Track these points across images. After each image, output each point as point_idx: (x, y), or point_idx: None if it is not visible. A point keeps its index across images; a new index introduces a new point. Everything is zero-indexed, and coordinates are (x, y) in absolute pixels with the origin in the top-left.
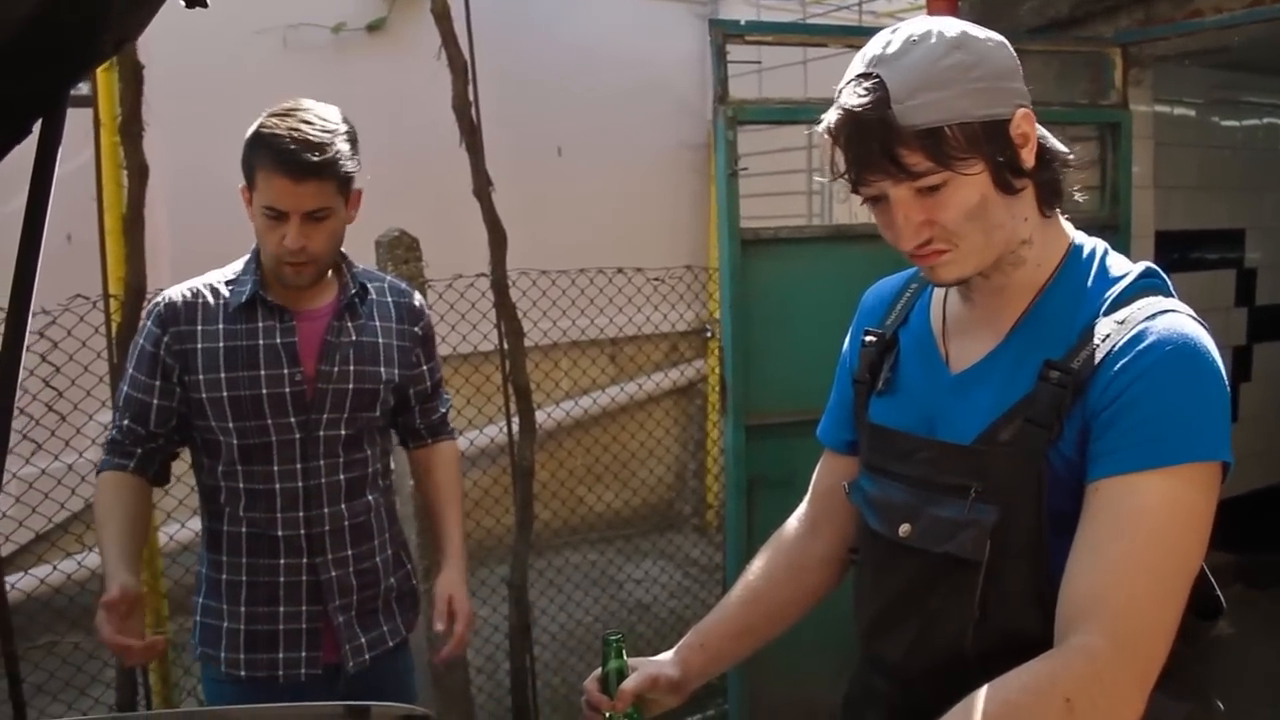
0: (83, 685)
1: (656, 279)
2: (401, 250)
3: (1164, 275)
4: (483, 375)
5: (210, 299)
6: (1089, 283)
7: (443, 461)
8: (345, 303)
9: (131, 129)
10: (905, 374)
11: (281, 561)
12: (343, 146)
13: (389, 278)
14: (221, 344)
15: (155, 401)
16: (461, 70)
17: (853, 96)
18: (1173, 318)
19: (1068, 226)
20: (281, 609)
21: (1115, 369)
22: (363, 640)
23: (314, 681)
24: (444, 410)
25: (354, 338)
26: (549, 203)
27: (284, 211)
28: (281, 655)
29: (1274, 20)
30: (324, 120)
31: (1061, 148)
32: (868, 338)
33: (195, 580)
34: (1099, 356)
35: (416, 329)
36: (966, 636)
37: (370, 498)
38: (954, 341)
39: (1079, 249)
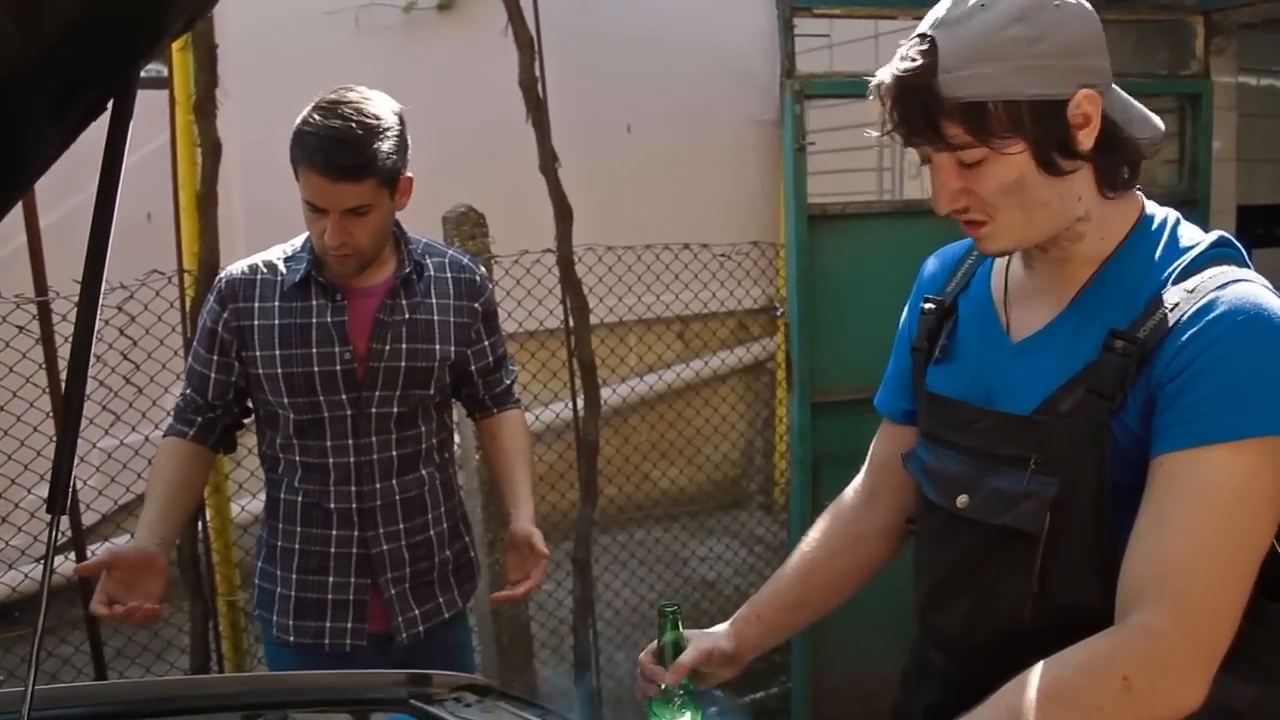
0: (159, 650)
1: (724, 255)
2: (468, 226)
3: (1238, 245)
4: (549, 351)
5: (269, 275)
6: (1157, 253)
7: (510, 426)
8: (400, 280)
9: (206, 108)
10: (964, 341)
11: (333, 533)
12: (383, 145)
13: (451, 252)
14: (277, 321)
15: (213, 375)
16: (528, 46)
17: (905, 59)
18: (1245, 287)
19: (1139, 195)
20: (331, 579)
21: (1184, 338)
22: (416, 612)
23: (359, 652)
24: (509, 381)
25: (407, 315)
26: (618, 179)
27: (323, 208)
28: (329, 624)
29: None
30: (365, 117)
31: (1139, 134)
32: (927, 305)
33: (257, 545)
34: (1167, 325)
35: (477, 304)
36: (1024, 610)
37: (424, 472)
38: (1015, 309)
39: (1149, 219)
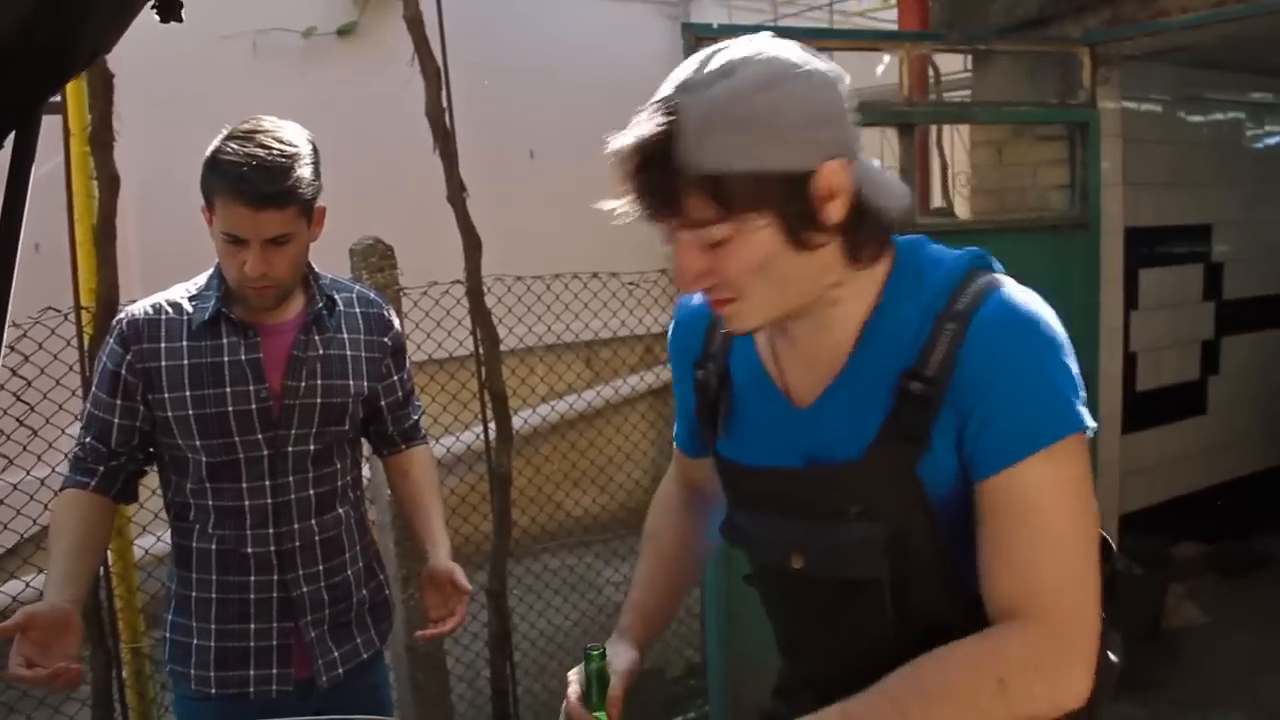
0: (57, 703)
1: (631, 283)
2: (376, 258)
3: (985, 254)
4: (458, 382)
5: (174, 315)
6: (920, 283)
7: (419, 462)
8: (312, 316)
9: (102, 138)
10: (748, 410)
11: (252, 579)
12: (303, 172)
13: (358, 287)
14: (186, 361)
15: (116, 420)
16: (434, 76)
17: (647, 124)
18: (1002, 296)
19: (890, 247)
20: (252, 626)
21: (968, 368)
22: (336, 654)
23: (284, 698)
24: (416, 417)
25: (321, 351)
26: (522, 207)
27: (244, 238)
28: (253, 672)
29: (1239, 20)
30: (283, 145)
31: (887, 202)
32: (699, 373)
33: (164, 596)
34: (953, 359)
35: (386, 339)
36: (888, 645)
37: (340, 511)
38: (791, 376)
39: (901, 259)
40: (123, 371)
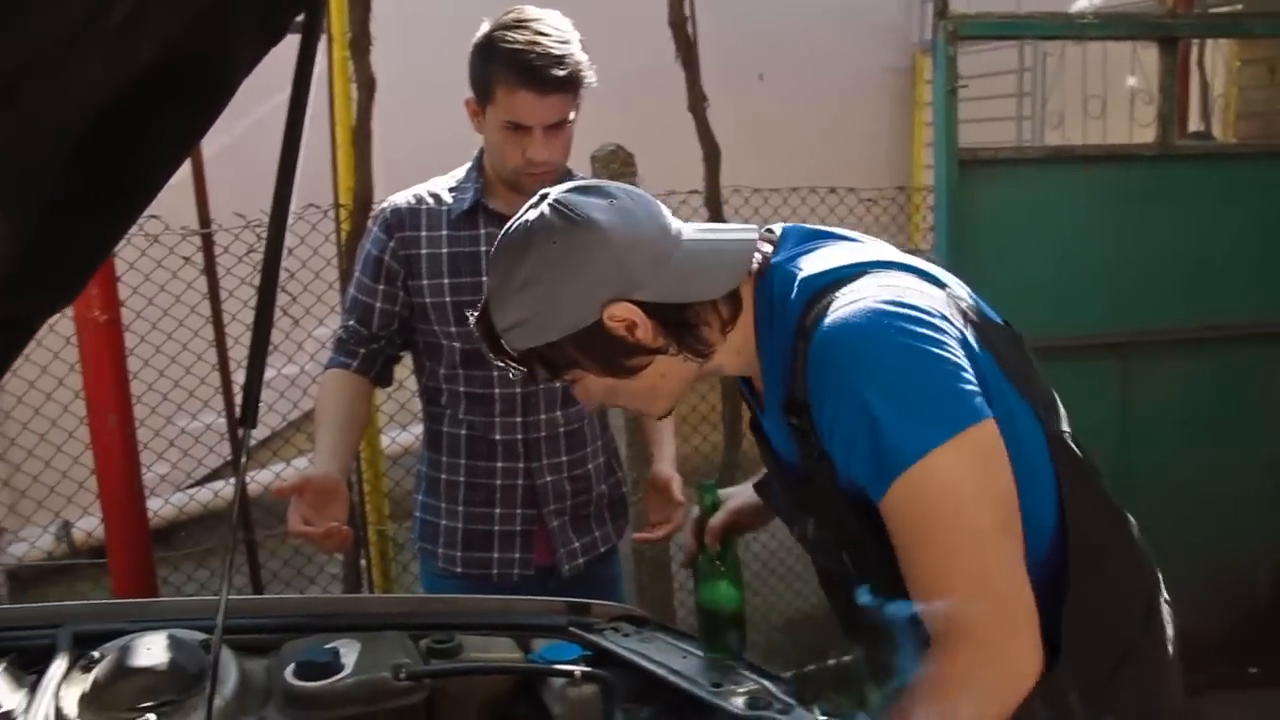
0: (312, 575)
1: (869, 199)
2: (617, 165)
3: (834, 272)
4: None
5: (434, 205)
6: (776, 311)
7: None
8: None
9: (360, 44)
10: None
11: (499, 465)
12: (580, 56)
13: None
14: (445, 250)
15: (379, 305)
16: None
17: (478, 325)
18: (825, 321)
19: (740, 287)
20: (498, 510)
21: (813, 398)
22: (577, 544)
23: (526, 582)
24: None
25: None
26: (751, 127)
27: (528, 125)
28: (496, 555)
29: None
30: (558, 30)
31: (714, 286)
32: None
33: (415, 478)
34: (804, 381)
35: None
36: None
37: None
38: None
39: (760, 290)
40: (386, 257)
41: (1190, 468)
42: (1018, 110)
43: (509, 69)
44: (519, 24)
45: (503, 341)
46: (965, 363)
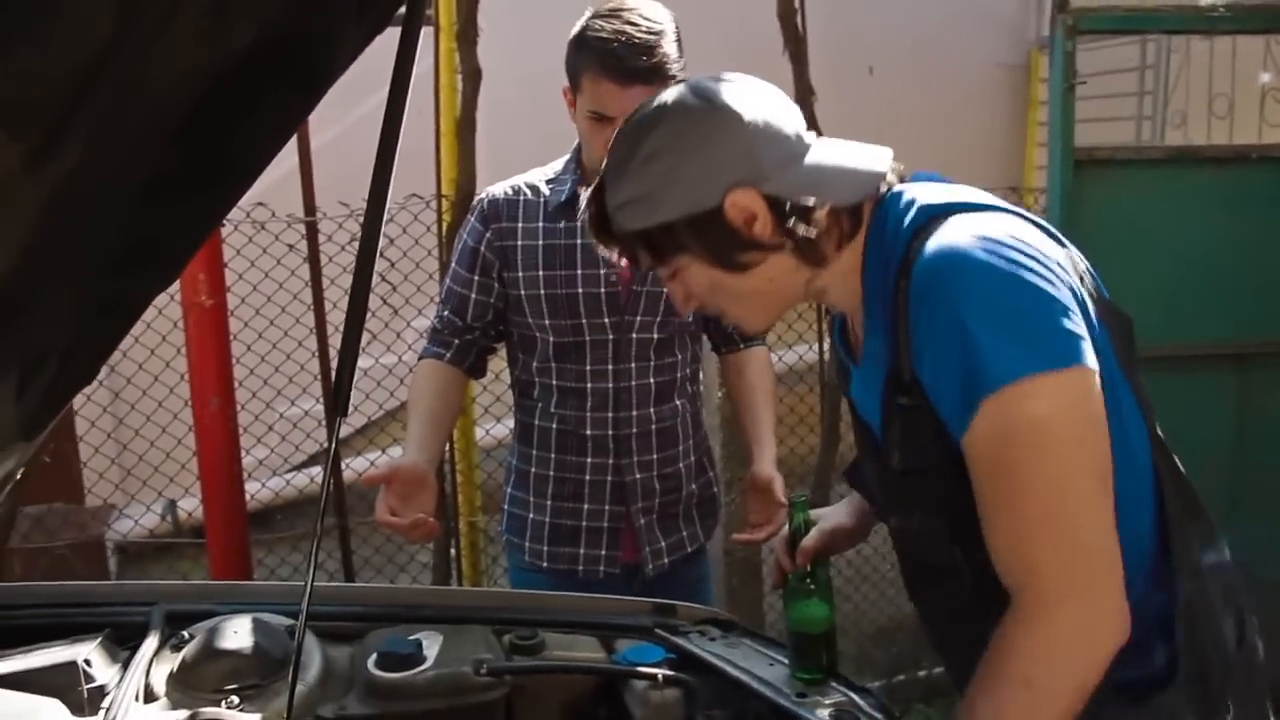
0: (403, 563)
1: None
2: None
3: (943, 208)
4: None
5: (531, 197)
6: (884, 257)
7: (756, 363)
8: None
9: (468, 34)
10: (855, 387)
11: (589, 460)
12: (669, 48)
13: None
14: (541, 241)
15: (473, 296)
16: None
17: (589, 207)
18: (934, 247)
19: (863, 206)
20: (586, 506)
21: (912, 335)
22: (663, 544)
23: (611, 579)
24: None
25: None
26: (860, 122)
27: (610, 115)
28: (583, 551)
29: None
30: (650, 20)
31: (842, 194)
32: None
33: (505, 470)
34: (911, 349)
35: None
36: (969, 615)
37: (678, 403)
38: (854, 336)
39: (875, 216)
40: (482, 248)
41: None
42: (1138, 110)
43: (594, 58)
44: (612, 13)
45: (612, 222)
46: (1077, 311)
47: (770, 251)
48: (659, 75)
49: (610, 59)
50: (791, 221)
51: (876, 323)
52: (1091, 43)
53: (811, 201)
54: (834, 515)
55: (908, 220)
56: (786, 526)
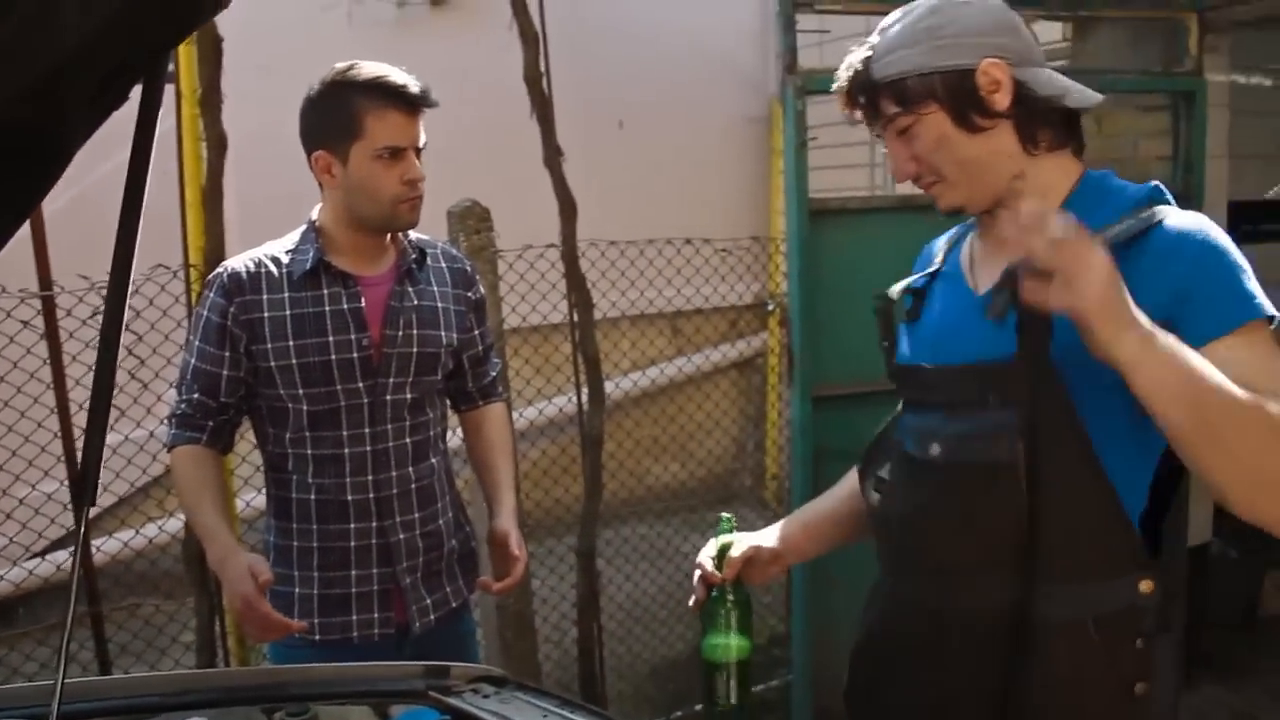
0: (164, 647)
1: (724, 250)
2: (473, 221)
3: (1169, 193)
4: (551, 346)
5: (272, 268)
6: (1098, 202)
7: (494, 419)
8: (405, 268)
9: (211, 101)
10: (931, 308)
11: (352, 525)
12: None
13: (441, 244)
14: (288, 311)
15: (225, 372)
16: (533, 41)
17: (858, 53)
18: (1180, 214)
19: (1079, 161)
20: (354, 572)
21: (1149, 258)
22: (428, 601)
23: (385, 641)
24: (494, 374)
25: (415, 302)
26: (610, 175)
27: (402, 148)
28: (355, 617)
29: None
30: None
31: (1070, 102)
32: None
33: (263, 549)
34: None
35: (470, 294)
36: (1020, 532)
37: (433, 460)
38: (980, 270)
39: (1089, 178)
40: (227, 323)
41: None
42: (870, 157)
43: (375, 95)
44: (350, 66)
45: (873, 71)
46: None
47: (999, 120)
48: (430, 102)
49: (395, 91)
50: (1025, 103)
51: None
52: (824, 99)
53: (1056, 94)
54: (759, 538)
55: (1143, 191)
56: (712, 544)
